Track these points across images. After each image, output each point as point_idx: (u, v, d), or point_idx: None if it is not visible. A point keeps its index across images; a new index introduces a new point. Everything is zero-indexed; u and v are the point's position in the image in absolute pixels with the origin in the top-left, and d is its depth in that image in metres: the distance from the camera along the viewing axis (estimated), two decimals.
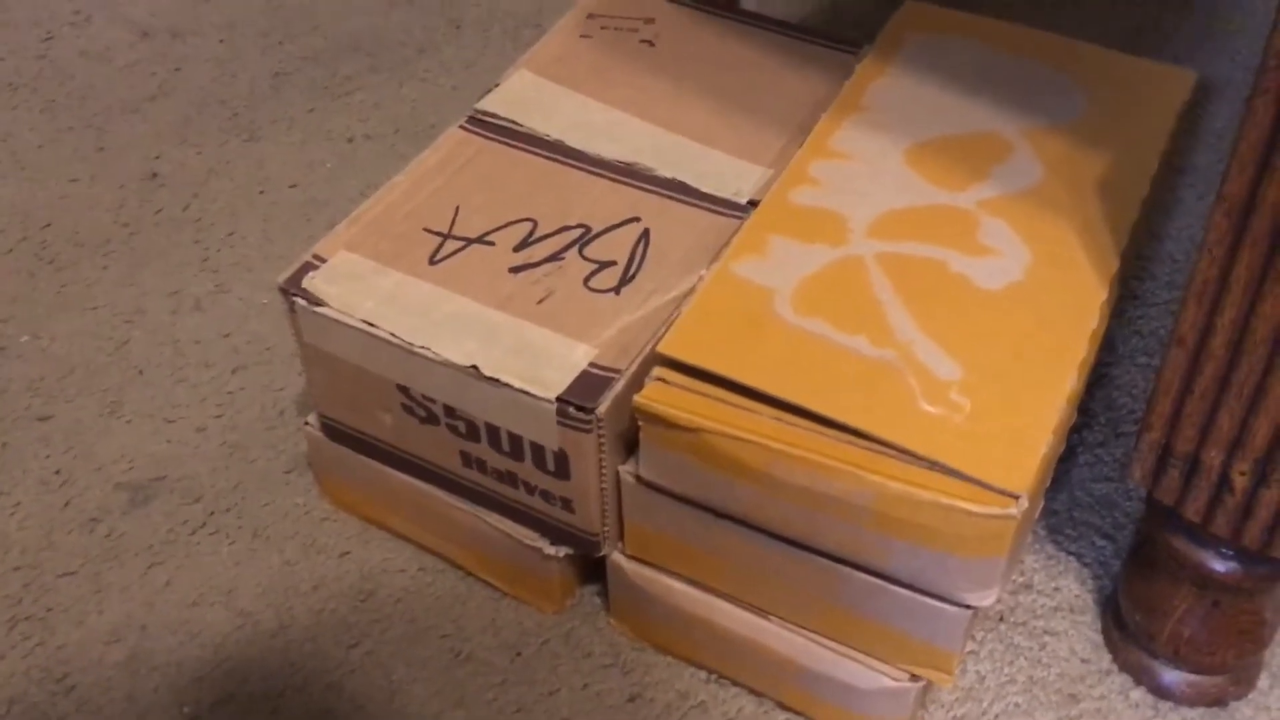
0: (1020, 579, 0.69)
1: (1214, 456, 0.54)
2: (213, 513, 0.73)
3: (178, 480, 0.75)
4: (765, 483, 0.55)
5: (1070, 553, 0.70)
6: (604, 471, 0.60)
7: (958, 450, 0.52)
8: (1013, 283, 0.59)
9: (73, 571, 0.71)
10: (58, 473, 0.75)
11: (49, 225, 0.91)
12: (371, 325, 0.61)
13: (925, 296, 0.58)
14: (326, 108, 1.01)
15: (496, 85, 0.74)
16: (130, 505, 0.74)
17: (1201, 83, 0.82)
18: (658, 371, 0.57)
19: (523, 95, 0.74)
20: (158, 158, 0.97)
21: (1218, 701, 0.64)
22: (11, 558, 0.71)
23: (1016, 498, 0.51)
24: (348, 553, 0.71)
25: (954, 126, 0.67)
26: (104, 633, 0.68)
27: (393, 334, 0.61)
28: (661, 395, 0.56)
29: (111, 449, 0.77)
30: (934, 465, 0.52)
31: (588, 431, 0.58)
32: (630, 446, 0.60)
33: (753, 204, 0.66)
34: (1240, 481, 0.54)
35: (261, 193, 0.94)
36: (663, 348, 0.57)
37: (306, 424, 0.71)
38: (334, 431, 0.69)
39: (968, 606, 0.55)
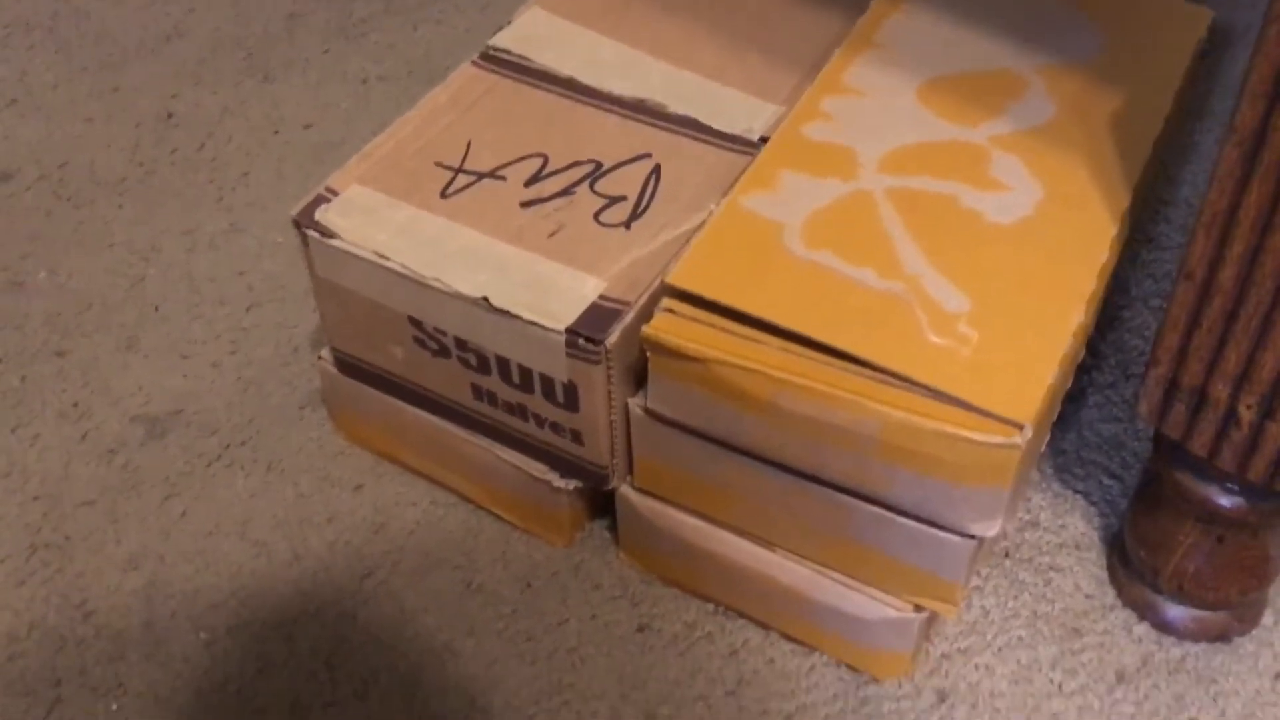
0: (1027, 516, 0.70)
1: (1221, 390, 0.54)
2: (228, 446, 0.74)
3: (194, 414, 0.76)
4: (772, 413, 0.55)
5: (1077, 491, 0.71)
6: (613, 404, 0.61)
7: (964, 381, 0.52)
8: (1023, 218, 0.59)
9: (91, 501, 0.72)
10: (75, 405, 0.76)
11: (65, 164, 0.92)
12: (384, 258, 0.62)
13: (935, 230, 0.58)
14: (341, 49, 1.01)
15: (509, 22, 0.74)
16: (147, 438, 0.75)
17: (1219, 26, 0.81)
18: (666, 303, 0.57)
19: (535, 32, 0.73)
20: (173, 98, 0.97)
21: (1221, 637, 0.64)
22: (31, 487, 0.72)
23: (1021, 427, 0.51)
24: (361, 486, 0.72)
25: (968, 63, 0.67)
26: (122, 561, 0.69)
27: (404, 266, 0.61)
28: (670, 326, 0.56)
29: (128, 383, 0.78)
30: (940, 395, 0.52)
31: (596, 363, 0.59)
32: (639, 380, 0.61)
33: (764, 141, 0.66)
34: (1247, 415, 0.54)
35: (276, 133, 0.94)
36: (671, 279, 0.57)
37: (320, 358, 0.71)
38: (347, 366, 0.70)
39: (972, 537, 0.55)
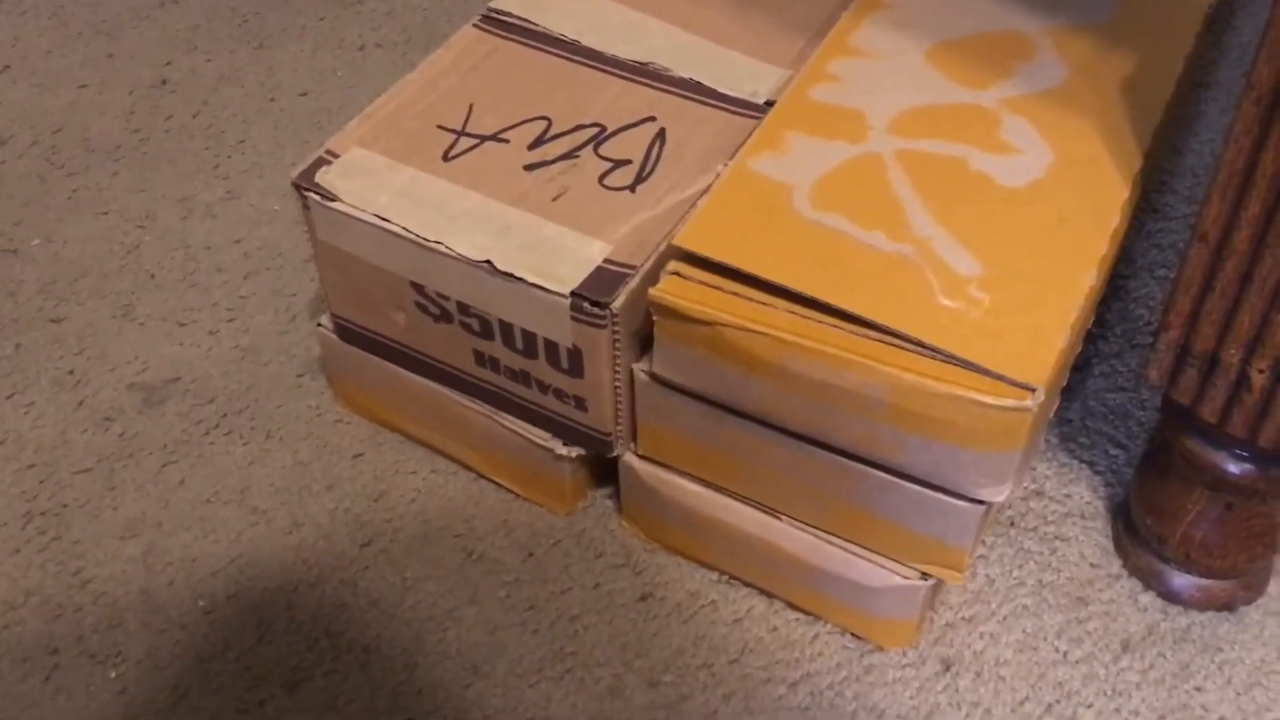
0: (1032, 486, 0.69)
1: (1233, 355, 0.54)
2: (226, 414, 0.74)
3: (191, 382, 0.75)
4: (779, 376, 0.55)
5: (1083, 461, 0.70)
6: (617, 369, 0.60)
7: (975, 344, 0.52)
8: (1034, 181, 0.58)
9: (88, 469, 0.71)
10: (71, 373, 0.76)
11: (60, 131, 0.91)
12: (385, 220, 0.61)
13: (945, 193, 0.58)
14: (338, 16, 1.00)
15: None
16: (144, 405, 0.74)
17: None
18: (673, 265, 0.57)
19: None
20: (168, 64, 0.96)
21: (1227, 606, 0.64)
22: (26, 455, 0.72)
23: (1033, 390, 0.50)
24: (361, 454, 0.72)
25: (977, 25, 0.66)
26: (119, 528, 0.68)
27: (406, 229, 0.60)
28: (677, 289, 0.55)
29: (124, 350, 0.77)
30: (950, 358, 0.52)
31: (602, 327, 0.58)
32: (644, 345, 0.60)
33: (769, 104, 0.65)
34: (1259, 380, 0.53)
35: (272, 100, 0.93)
36: (679, 241, 0.56)
37: (320, 325, 0.71)
38: (347, 332, 0.69)
39: (980, 502, 0.55)
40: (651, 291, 0.56)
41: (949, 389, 0.51)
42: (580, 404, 0.62)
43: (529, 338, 0.61)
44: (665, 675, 0.62)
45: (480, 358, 0.64)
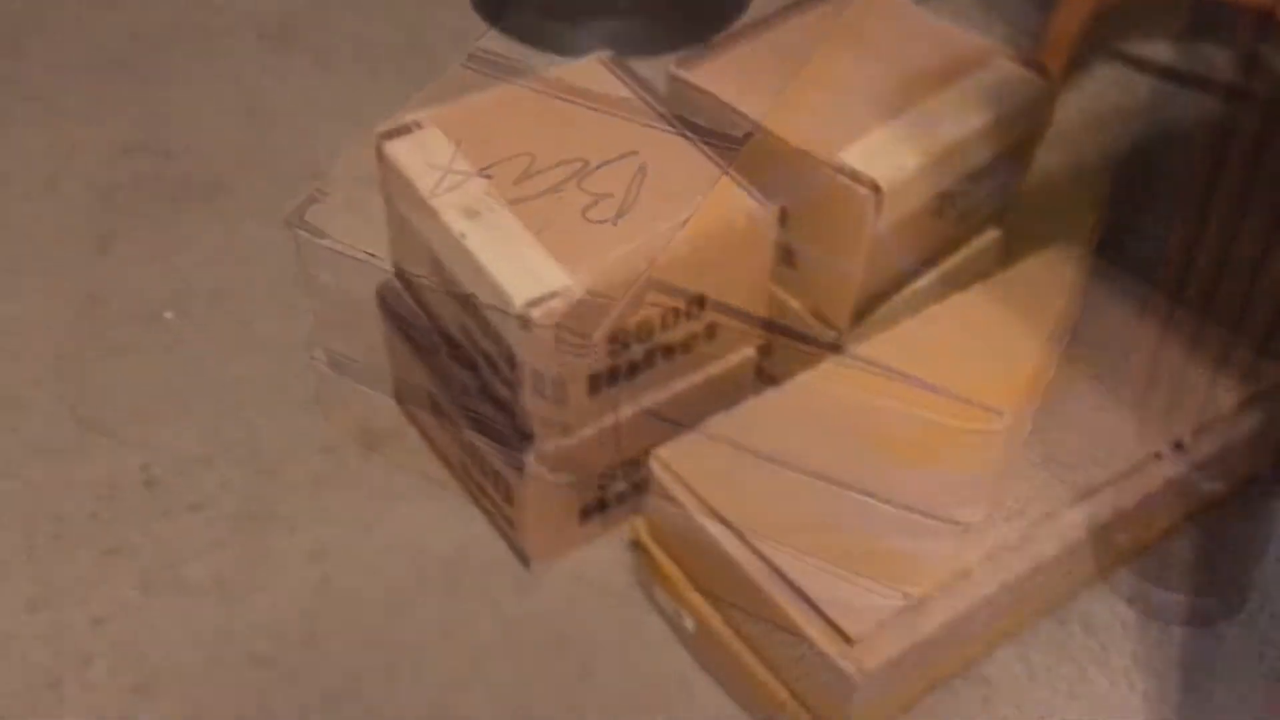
0: (1014, 505, 0.70)
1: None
2: (224, 445, 0.75)
3: (186, 415, 0.77)
4: None
5: (1064, 481, 0.71)
6: (602, 396, 0.61)
7: (946, 371, 0.53)
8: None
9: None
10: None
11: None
12: (373, 256, 0.62)
13: None
14: (335, 53, 1.02)
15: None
16: None
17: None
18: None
19: None
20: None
21: (1207, 621, 0.65)
22: None
23: (1002, 414, 0.52)
24: (354, 483, 0.73)
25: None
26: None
27: (393, 264, 0.62)
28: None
29: (121, 386, 0.78)
30: (922, 385, 0.53)
31: (584, 357, 0.59)
32: (617, 375, 0.61)
33: (748, 137, 0.67)
34: None
35: (269, 138, 0.95)
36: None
37: (313, 358, 0.72)
38: (339, 363, 0.70)
39: (957, 523, 0.56)
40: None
41: (923, 414, 0.52)
42: (566, 431, 0.64)
43: (513, 366, 0.62)
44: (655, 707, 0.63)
45: (466, 387, 0.65)
